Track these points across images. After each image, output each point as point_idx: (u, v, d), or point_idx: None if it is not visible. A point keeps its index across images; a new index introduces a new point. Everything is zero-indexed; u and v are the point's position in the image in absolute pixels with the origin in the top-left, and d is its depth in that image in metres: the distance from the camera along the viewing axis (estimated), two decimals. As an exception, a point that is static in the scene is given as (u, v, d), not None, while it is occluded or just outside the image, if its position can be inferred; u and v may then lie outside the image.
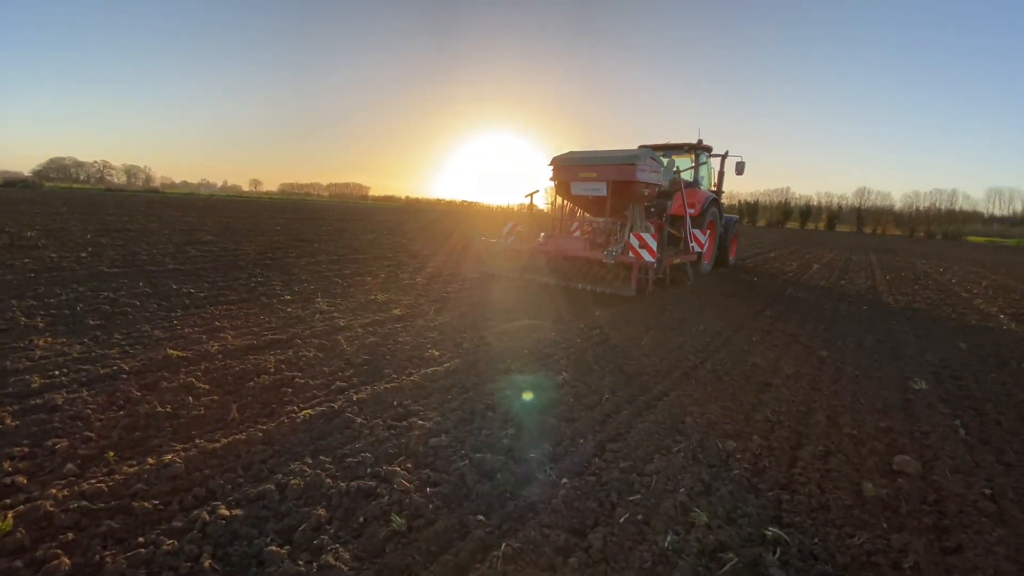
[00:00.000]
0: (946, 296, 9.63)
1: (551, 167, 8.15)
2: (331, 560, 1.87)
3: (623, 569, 1.93)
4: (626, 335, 5.28)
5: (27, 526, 1.96)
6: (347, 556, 1.91)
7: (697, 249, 9.18)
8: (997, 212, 76.11)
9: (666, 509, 2.27)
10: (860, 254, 21.12)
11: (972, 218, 71.84)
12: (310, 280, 7.51)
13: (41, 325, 4.48)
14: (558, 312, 6.23)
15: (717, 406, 3.50)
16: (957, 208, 73.15)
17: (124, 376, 3.45)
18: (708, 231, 10.20)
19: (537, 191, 9.25)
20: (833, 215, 70.88)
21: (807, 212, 72.87)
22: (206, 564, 1.83)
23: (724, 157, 11.58)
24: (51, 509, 2.03)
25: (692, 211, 9.15)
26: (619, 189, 7.55)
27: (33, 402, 2.98)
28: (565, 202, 8.78)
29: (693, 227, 9.11)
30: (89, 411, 2.90)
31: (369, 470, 2.49)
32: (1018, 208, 75.44)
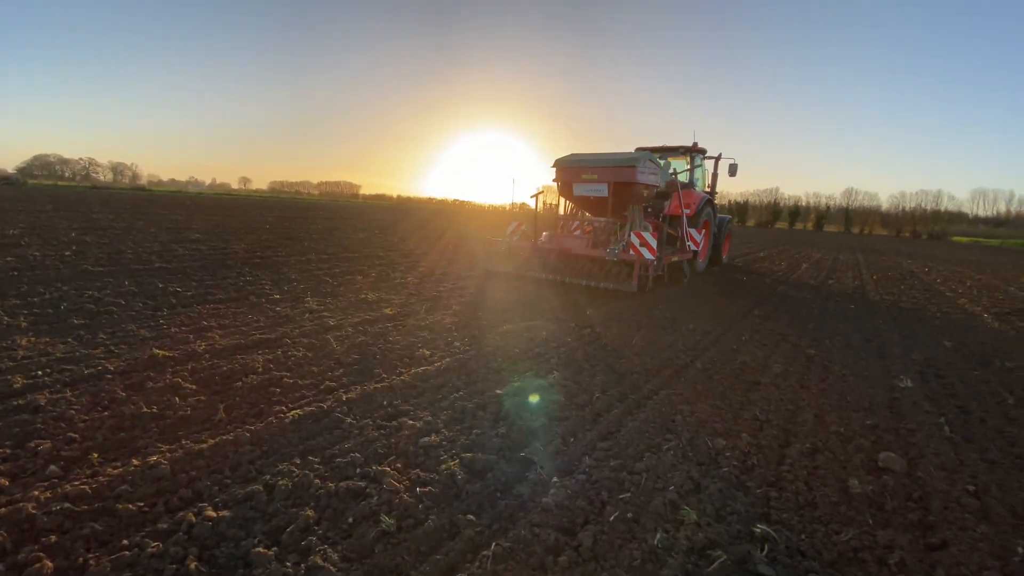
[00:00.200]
0: (931, 296, 9.77)
1: (554, 168, 8.46)
2: (319, 561, 1.85)
3: (613, 567, 1.93)
4: (617, 334, 5.30)
5: (9, 529, 1.92)
6: (336, 557, 1.90)
7: (693, 248, 9.49)
8: (981, 213, 77.53)
9: (656, 507, 2.28)
10: (848, 254, 21.38)
11: (957, 218, 73.02)
12: (300, 279, 7.46)
13: (24, 324, 4.40)
14: (550, 311, 6.24)
15: (707, 404, 3.52)
16: (942, 209, 74.39)
17: (109, 376, 3.39)
18: (703, 230, 10.56)
19: (542, 191, 9.54)
20: (821, 215, 71.72)
21: (796, 212, 73.68)
22: (192, 566, 1.80)
23: (718, 159, 11.90)
24: (33, 511, 1.99)
25: (688, 211, 9.41)
26: (620, 190, 7.86)
27: (15, 403, 2.92)
28: (566, 202, 9.11)
29: (689, 227, 9.38)
30: (73, 412, 2.85)
31: (358, 470, 2.48)
32: (1002, 209, 76.85)
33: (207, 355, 3.92)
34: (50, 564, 1.77)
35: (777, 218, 74.27)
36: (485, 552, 1.94)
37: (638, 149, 11.15)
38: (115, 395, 3.10)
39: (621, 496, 2.36)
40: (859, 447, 3.03)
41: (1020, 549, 2.13)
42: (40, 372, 3.39)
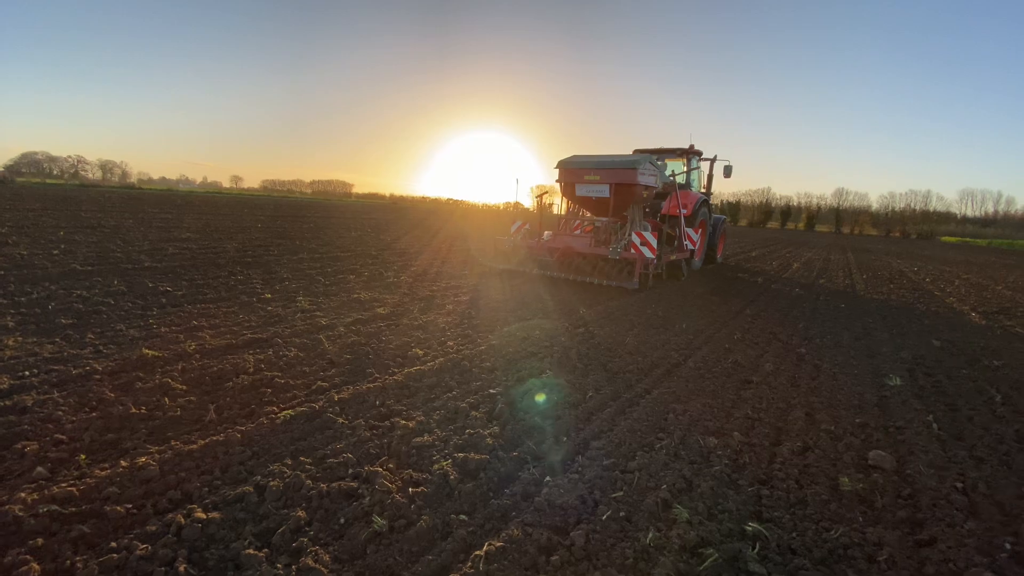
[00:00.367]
0: (920, 295, 9.87)
1: (557, 169, 8.83)
2: (311, 563, 1.84)
3: (605, 566, 1.93)
4: (610, 333, 5.31)
5: (-7, 532, 1.89)
6: (327, 558, 1.89)
7: (690, 247, 9.81)
8: (970, 213, 78.32)
9: (648, 506, 2.28)
10: (838, 253, 21.55)
11: (946, 219, 73.72)
12: (292, 278, 7.41)
13: (11, 324, 4.34)
14: (544, 310, 6.24)
15: (699, 403, 3.53)
16: (931, 209, 75.11)
17: (97, 377, 3.36)
18: (699, 230, 10.93)
19: (546, 191, 10.08)
20: (812, 215, 72.15)
21: (787, 212, 74.11)
22: (181, 569, 1.79)
23: (713, 161, 12.19)
24: (20, 514, 1.96)
25: (685, 211, 9.64)
26: (621, 191, 8.21)
27: (2, 404, 2.88)
28: (568, 201, 9.49)
29: (686, 226, 9.66)
30: (60, 413, 2.82)
31: (350, 471, 2.47)
32: (990, 209, 77.78)
33: (197, 355, 3.89)
34: (37, 567, 1.75)
35: (769, 218, 74.67)
36: (477, 552, 1.93)
37: (636, 151, 11.52)
38: (103, 396, 3.07)
39: (614, 495, 2.36)
40: (849, 445, 3.06)
41: (1008, 545, 2.16)
42: (27, 373, 3.34)
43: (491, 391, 3.53)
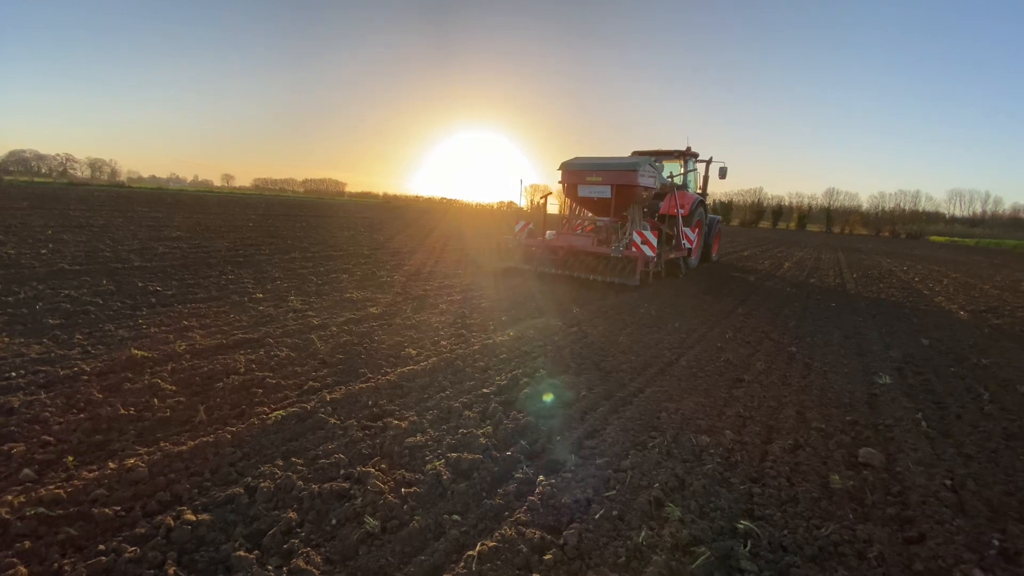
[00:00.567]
0: (909, 294, 9.97)
1: (560, 171, 9.15)
2: (302, 564, 1.83)
3: (598, 565, 1.94)
4: (604, 332, 5.32)
5: (-22, 536, 1.86)
6: (319, 560, 1.88)
7: (687, 245, 10.12)
8: (958, 213, 79.26)
9: (641, 505, 2.29)
10: (829, 253, 21.73)
11: (934, 218, 74.56)
12: (283, 278, 7.36)
13: (-4, 325, 4.28)
14: (537, 309, 6.24)
15: (691, 402, 3.55)
16: (920, 209, 75.92)
17: (85, 377, 3.32)
18: (696, 230, 11.22)
19: (551, 192, 10.59)
20: (804, 215, 72.65)
21: (779, 212, 74.58)
22: (171, 571, 1.77)
23: (709, 162, 12.60)
24: (7, 516, 1.94)
25: (683, 212, 9.93)
26: (621, 192, 8.54)
27: (-14, 405, 2.84)
28: (570, 202, 9.85)
29: (684, 226, 9.96)
30: (48, 414, 2.78)
31: (342, 471, 2.45)
32: (977, 209, 78.75)
33: (187, 355, 3.85)
34: (24, 570, 1.72)
35: (761, 218, 75.15)
36: (470, 552, 1.93)
37: (634, 153, 11.87)
38: (91, 397, 3.03)
39: (607, 494, 2.37)
40: (840, 443, 3.08)
41: (996, 542, 2.18)
42: (14, 373, 3.30)
43: (484, 391, 3.53)
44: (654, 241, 8.07)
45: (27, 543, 1.85)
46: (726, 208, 73.98)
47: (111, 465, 2.34)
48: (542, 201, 10.32)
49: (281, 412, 2.96)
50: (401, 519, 2.13)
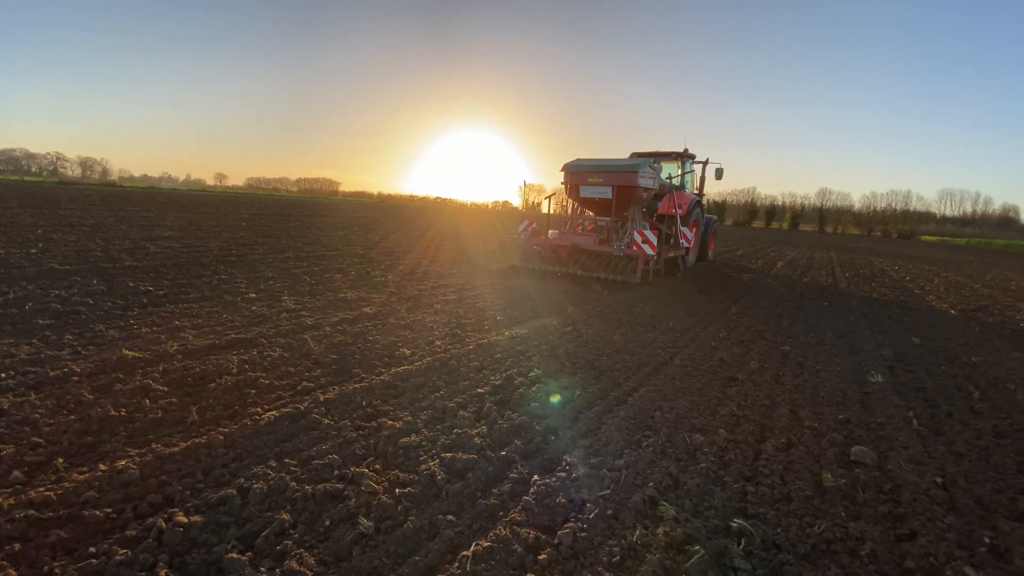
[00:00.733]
0: (900, 293, 10.05)
1: (562, 172, 9.40)
2: (295, 566, 1.81)
3: (592, 565, 1.94)
4: (598, 331, 5.32)
5: (-34, 539, 1.84)
6: (312, 561, 1.87)
7: (685, 245, 10.40)
8: (949, 212, 80.00)
9: (635, 504, 2.29)
10: (821, 252, 21.88)
11: (925, 218, 75.25)
12: (276, 277, 7.32)
13: (-15, 325, 4.23)
14: (532, 308, 6.24)
15: (685, 401, 3.56)
16: (911, 208, 76.60)
17: (75, 378, 3.28)
18: (693, 229, 11.48)
19: (553, 194, 10.92)
20: (796, 215, 73.17)
21: (772, 212, 75.09)
22: (162, 574, 1.75)
23: (705, 164, 12.90)
24: (-6, 520, 1.92)
25: (680, 212, 10.14)
26: (622, 193, 8.77)
27: (-26, 407, 2.80)
28: (571, 202, 10.11)
29: (681, 225, 10.19)
30: (37, 415, 2.75)
31: (336, 472, 2.44)
32: (968, 209, 79.50)
33: (179, 356, 3.82)
34: (14, 573, 1.71)
35: (754, 217, 75.58)
36: (465, 552, 1.92)
37: (633, 154, 12.20)
38: (82, 398, 3.00)
39: (601, 493, 2.37)
40: (832, 441, 3.10)
41: (987, 539, 2.20)
42: (3, 374, 3.26)
43: (479, 390, 3.52)
44: (654, 240, 8.33)
45: (17, 546, 1.83)
46: (720, 208, 74.35)
47: (102, 467, 2.32)
48: (546, 201, 10.74)
49: (274, 413, 2.94)
50: (395, 520, 2.12)
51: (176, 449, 2.49)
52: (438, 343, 4.63)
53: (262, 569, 1.81)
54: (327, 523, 2.09)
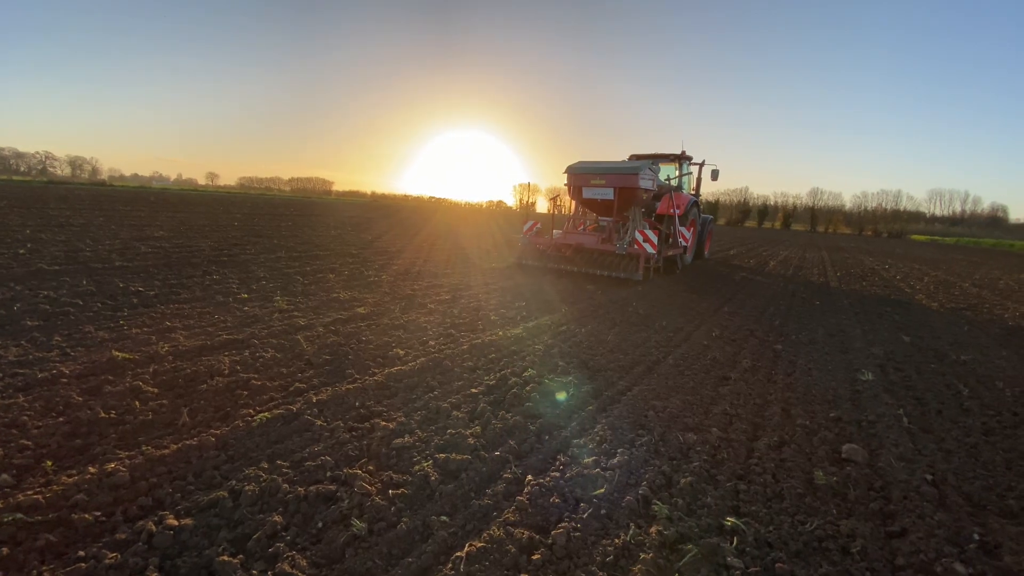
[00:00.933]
0: (891, 292, 10.15)
1: (565, 174, 9.77)
2: (287, 568, 1.80)
3: (586, 564, 1.94)
4: (592, 331, 5.33)
5: (-48, 544, 1.81)
6: (304, 563, 1.85)
7: (683, 243, 10.88)
8: (938, 212, 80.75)
9: (628, 503, 2.30)
10: (813, 251, 22.03)
11: (915, 218, 75.95)
12: (269, 278, 7.28)
13: (-29, 327, 4.18)
14: (527, 308, 6.24)
15: (678, 400, 3.57)
16: (902, 208, 77.27)
17: (64, 380, 3.24)
18: (691, 229, 12.07)
19: (559, 195, 11.45)
20: (789, 214, 73.64)
21: (764, 211, 75.52)
22: (152, 577, 1.74)
23: (702, 165, 13.26)
24: (-19, 524, 1.89)
25: (678, 212, 10.50)
26: (624, 194, 9.15)
27: (-39, 410, 2.76)
28: (573, 202, 10.58)
29: (680, 225, 10.62)
30: (25, 418, 2.72)
31: (329, 474, 2.43)
32: (957, 208, 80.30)
33: (170, 357, 3.79)
34: (-1, 578, 1.68)
35: (746, 217, 76.00)
36: (458, 554, 1.92)
37: (632, 156, 12.73)
38: (71, 400, 2.97)
39: (595, 493, 2.37)
40: (823, 439, 3.12)
41: (976, 536, 2.23)
42: (-11, 377, 3.21)
43: (473, 391, 3.52)
44: (655, 239, 8.72)
45: (5, 550, 1.80)
46: (713, 207, 74.63)
47: (91, 469, 2.29)
48: (551, 202, 11.31)
49: (266, 414, 2.92)
50: (388, 521, 2.11)
51: (167, 451, 2.47)
52: (432, 343, 4.62)
53: (254, 572, 1.80)
54: (320, 525, 2.08)
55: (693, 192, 13.29)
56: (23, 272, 6.37)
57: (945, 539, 2.17)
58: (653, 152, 12.84)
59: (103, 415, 2.81)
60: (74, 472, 2.30)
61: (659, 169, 11.77)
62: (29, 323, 4.38)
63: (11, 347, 3.78)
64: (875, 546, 2.13)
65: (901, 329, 6.47)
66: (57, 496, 2.09)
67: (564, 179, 9.86)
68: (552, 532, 2.09)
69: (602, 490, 2.40)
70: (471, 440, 2.79)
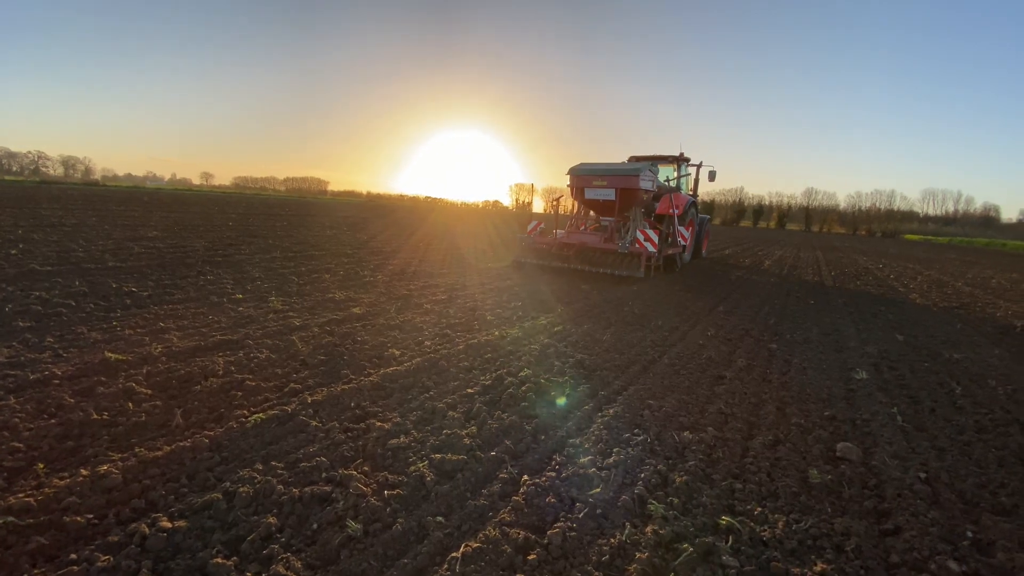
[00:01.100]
0: (885, 291, 10.20)
1: (568, 176, 10.09)
2: (282, 570, 1.79)
3: (582, 564, 1.94)
4: (588, 331, 5.33)
5: (-59, 547, 1.80)
6: (299, 565, 1.84)
7: (682, 242, 11.13)
8: (931, 212, 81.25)
9: (624, 502, 2.30)
10: (808, 251, 22.13)
11: (909, 217, 76.40)
12: (264, 278, 7.25)
13: (-38, 328, 4.14)
14: (523, 308, 6.24)
15: (674, 399, 3.57)
16: (895, 208, 77.68)
17: (56, 381, 3.22)
18: (689, 228, 12.34)
19: (561, 196, 11.65)
20: (783, 214, 74.00)
21: (759, 211, 75.90)
22: (145, 580, 1.72)
23: (699, 166, 13.52)
24: (-30, 528, 1.87)
25: (677, 212, 10.74)
26: (625, 195, 9.46)
27: (-49, 412, 2.74)
28: (576, 202, 10.91)
29: (678, 225, 10.87)
30: (17, 420, 2.69)
31: (324, 475, 2.42)
32: (950, 208, 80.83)
33: (164, 358, 3.76)
34: (-11, 583, 1.67)
35: (742, 217, 76.33)
36: (454, 554, 1.91)
37: (631, 158, 13.03)
38: (63, 401, 2.94)
39: (591, 492, 2.37)
40: (818, 438, 3.13)
41: (969, 533, 2.24)
42: (-20, 378, 3.18)
43: (469, 391, 3.51)
44: (655, 238, 9.03)
45: (-6, 554, 1.79)
46: (709, 207, 74.84)
47: (83, 472, 2.27)
48: (554, 203, 11.63)
49: (261, 415, 2.90)
50: (384, 522, 2.10)
51: (160, 453, 2.45)
52: (428, 343, 4.61)
53: (248, 574, 1.79)
54: (314, 526, 2.07)
55: (691, 193, 13.57)
56: (15, 273, 6.32)
57: (939, 537, 2.18)
58: (652, 154, 13.11)
59: (96, 417, 2.78)
60: (66, 474, 2.28)
61: (658, 170, 12.02)
62: (21, 324, 4.34)
63: (2, 348, 3.74)
64: (869, 544, 2.14)
65: (895, 328, 6.51)
66: (49, 499, 2.08)
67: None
68: (548, 532, 2.08)
69: (598, 490, 2.40)
70: (467, 440, 2.78)
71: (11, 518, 1.94)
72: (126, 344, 4.01)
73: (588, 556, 1.98)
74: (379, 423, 2.94)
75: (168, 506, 2.13)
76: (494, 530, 2.06)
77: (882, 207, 77.40)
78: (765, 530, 2.21)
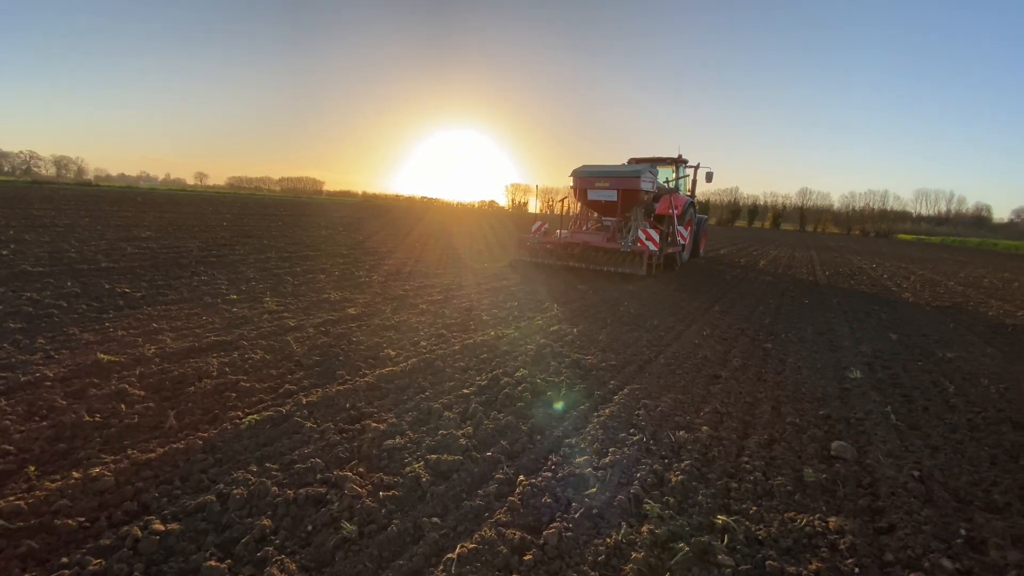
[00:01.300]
0: (879, 290, 10.26)
1: (571, 177, 10.43)
2: (276, 572, 1.78)
3: (578, 564, 1.94)
4: (584, 331, 5.34)
5: (-70, 552, 1.77)
6: (293, 567, 1.83)
7: (681, 242, 11.46)
8: (924, 212, 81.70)
9: (620, 502, 2.30)
10: (802, 251, 22.23)
11: (902, 217, 76.82)
12: (258, 278, 7.21)
13: (-48, 330, 4.09)
14: (519, 308, 6.24)
15: (669, 399, 3.58)
16: (889, 208, 78.09)
17: (48, 383, 3.19)
18: (688, 228, 12.62)
19: (565, 197, 12.20)
20: (778, 214, 74.31)
21: (754, 211, 76.18)
22: (138, 583, 1.71)
23: (696, 168, 13.85)
24: (-40, 531, 1.85)
25: (676, 212, 11.00)
26: (626, 196, 9.77)
27: (-60, 414, 2.71)
28: (578, 203, 11.24)
29: (678, 225, 11.13)
30: (8, 422, 2.67)
31: (319, 476, 2.41)
32: (943, 208, 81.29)
33: (157, 359, 3.74)
34: (-21, 587, 1.65)
35: (737, 217, 76.60)
36: (450, 555, 1.91)
37: (631, 160, 13.38)
38: (55, 403, 2.92)
39: (586, 492, 2.37)
40: (813, 437, 3.14)
41: (963, 531, 2.25)
42: (-30, 381, 3.15)
43: (464, 391, 3.50)
44: (656, 238, 9.32)
45: (-16, 558, 1.77)
46: (704, 207, 75.00)
47: (75, 474, 2.25)
48: (560, 204, 12.01)
49: (255, 416, 2.89)
50: (379, 523, 2.09)
51: (153, 455, 2.43)
52: (423, 344, 4.60)
53: (242, 576, 1.78)
54: (309, 528, 2.06)
55: (689, 193, 13.92)
56: (6, 273, 6.26)
57: (932, 535, 2.19)
58: (651, 155, 13.45)
59: (88, 419, 2.76)
60: (57, 477, 2.26)
61: (658, 172, 12.25)
62: (12, 325, 4.30)
63: (-7, 350, 3.70)
64: (863, 542, 2.14)
65: (888, 327, 6.55)
66: (40, 502, 2.05)
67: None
68: (544, 532, 2.08)
69: (594, 489, 2.40)
70: (463, 441, 2.78)
71: (2, 522, 1.92)
72: (119, 345, 3.98)
73: (584, 556, 1.98)
74: (374, 424, 2.92)
75: (161, 508, 2.11)
76: (490, 531, 2.05)
77: (876, 207, 77.84)
78: (761, 529, 2.21)
